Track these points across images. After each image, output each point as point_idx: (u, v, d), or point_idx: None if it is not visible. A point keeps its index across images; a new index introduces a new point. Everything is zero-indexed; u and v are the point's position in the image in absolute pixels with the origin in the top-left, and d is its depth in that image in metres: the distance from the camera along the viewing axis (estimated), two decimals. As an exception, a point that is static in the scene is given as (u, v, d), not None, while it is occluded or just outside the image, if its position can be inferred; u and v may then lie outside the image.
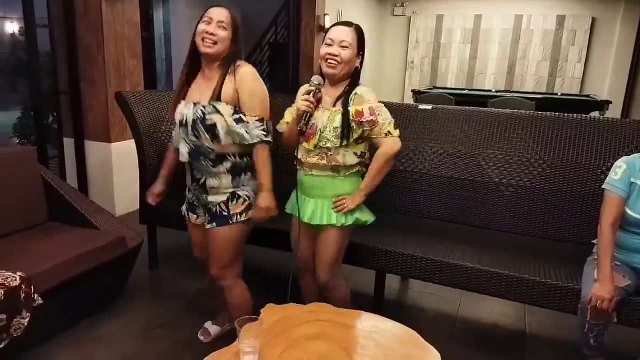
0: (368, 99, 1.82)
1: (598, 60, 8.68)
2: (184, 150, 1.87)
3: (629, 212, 1.84)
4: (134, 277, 2.58)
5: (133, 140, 2.71)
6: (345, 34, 1.81)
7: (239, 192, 1.88)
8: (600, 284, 1.72)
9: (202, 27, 1.82)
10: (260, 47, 8.57)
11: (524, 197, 2.37)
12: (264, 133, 1.82)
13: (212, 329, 2.24)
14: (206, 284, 2.32)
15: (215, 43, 1.80)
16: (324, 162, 1.85)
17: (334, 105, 1.84)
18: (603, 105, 6.71)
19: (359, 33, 1.85)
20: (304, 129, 1.83)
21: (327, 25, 6.77)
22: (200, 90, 1.86)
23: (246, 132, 1.81)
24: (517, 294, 2.00)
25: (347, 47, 1.80)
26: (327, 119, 1.82)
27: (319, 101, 1.86)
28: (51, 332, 2.16)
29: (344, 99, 1.83)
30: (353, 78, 1.87)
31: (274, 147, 1.90)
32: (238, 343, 1.35)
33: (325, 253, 1.94)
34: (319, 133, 1.82)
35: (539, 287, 1.95)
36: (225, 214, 1.87)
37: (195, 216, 2.01)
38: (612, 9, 8.41)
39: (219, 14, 1.82)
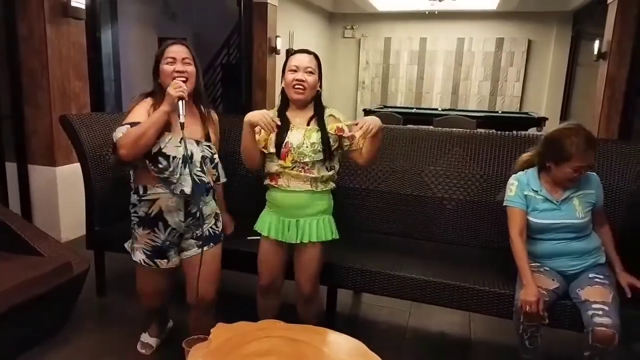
0: (343, 120, 1.97)
1: (535, 79, 9.26)
2: (188, 185, 1.82)
3: (532, 219, 2.02)
4: (82, 304, 2.51)
5: (79, 164, 2.66)
6: (308, 61, 1.92)
7: (217, 211, 2.05)
8: (524, 289, 1.86)
9: (168, 68, 1.82)
10: (213, 68, 8.59)
11: (464, 209, 2.52)
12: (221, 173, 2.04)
13: (152, 340, 2.27)
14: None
15: (187, 80, 1.84)
16: (303, 173, 1.91)
17: (308, 124, 1.94)
18: (540, 121, 7.15)
19: (318, 59, 1.97)
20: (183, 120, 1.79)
21: (279, 47, 6.89)
22: (189, 126, 1.84)
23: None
24: (459, 302, 2.11)
25: (312, 73, 1.91)
26: (303, 136, 1.90)
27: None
28: (-9, 365, 2.07)
29: (318, 119, 1.94)
30: (317, 100, 1.99)
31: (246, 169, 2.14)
32: (187, 363, 1.37)
33: (309, 267, 2.02)
34: (294, 150, 1.89)
35: (478, 294, 2.06)
36: (218, 232, 2.02)
37: (165, 260, 1.95)
38: (546, 31, 9.03)
39: (180, 51, 1.85)
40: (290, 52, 2.04)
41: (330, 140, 1.92)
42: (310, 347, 1.60)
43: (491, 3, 8.43)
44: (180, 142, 1.80)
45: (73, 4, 3.47)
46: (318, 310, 2.16)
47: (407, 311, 2.77)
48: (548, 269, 2.01)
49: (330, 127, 1.93)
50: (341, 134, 1.92)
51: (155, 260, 1.93)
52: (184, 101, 1.78)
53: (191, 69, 1.86)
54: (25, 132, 3.59)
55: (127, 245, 2.02)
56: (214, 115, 2.03)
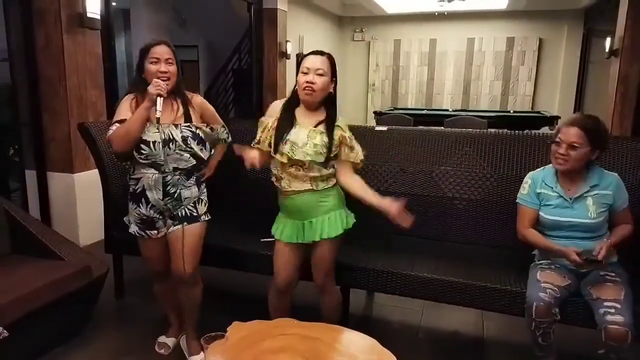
0: (346, 131, 2.01)
1: (547, 78, 9.21)
2: (173, 163, 2.03)
3: (543, 215, 2.05)
4: (101, 306, 2.58)
5: (96, 170, 2.74)
6: (319, 62, 1.94)
7: (201, 197, 2.15)
8: (564, 254, 1.92)
9: (152, 67, 1.99)
10: (224, 73, 8.69)
11: (475, 209, 2.53)
12: (227, 135, 2.36)
13: (169, 340, 2.36)
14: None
15: (169, 78, 2.00)
16: (301, 172, 1.96)
17: (316, 126, 1.97)
18: (552, 120, 7.10)
19: (331, 60, 1.99)
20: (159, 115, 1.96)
21: (289, 51, 6.96)
22: (168, 115, 2.04)
23: (217, 136, 2.28)
24: (471, 300, 2.13)
25: (322, 75, 1.94)
26: (307, 136, 1.94)
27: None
28: (17, 365, 2.14)
29: (328, 123, 1.97)
30: (329, 102, 2.02)
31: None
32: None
33: (323, 261, 2.09)
34: (297, 145, 1.92)
35: (490, 292, 2.08)
36: (195, 214, 2.11)
37: (155, 231, 2.13)
38: (557, 29, 8.98)
39: (163, 52, 2.01)
40: (300, 55, 2.08)
41: (333, 146, 1.96)
42: (324, 344, 1.64)
43: (501, 2, 8.41)
44: (158, 130, 2.00)
45: (89, 14, 3.56)
46: (337, 301, 2.22)
47: (419, 310, 2.79)
48: (559, 266, 2.02)
49: (337, 133, 1.98)
50: (345, 141, 1.98)
51: (147, 231, 2.13)
52: (161, 98, 1.96)
53: (173, 68, 2.03)
54: (43, 139, 3.69)
55: (125, 219, 2.19)
56: (197, 99, 2.19)
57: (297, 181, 1.98)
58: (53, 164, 3.71)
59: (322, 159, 1.93)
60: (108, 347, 2.39)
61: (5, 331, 1.86)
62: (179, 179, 2.05)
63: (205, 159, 2.11)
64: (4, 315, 1.88)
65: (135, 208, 2.10)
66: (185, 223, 2.08)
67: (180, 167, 2.04)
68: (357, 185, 2.04)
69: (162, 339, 2.36)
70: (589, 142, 1.93)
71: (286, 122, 1.98)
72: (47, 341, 2.29)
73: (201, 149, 2.07)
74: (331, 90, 2.00)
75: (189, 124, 2.07)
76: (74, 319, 2.45)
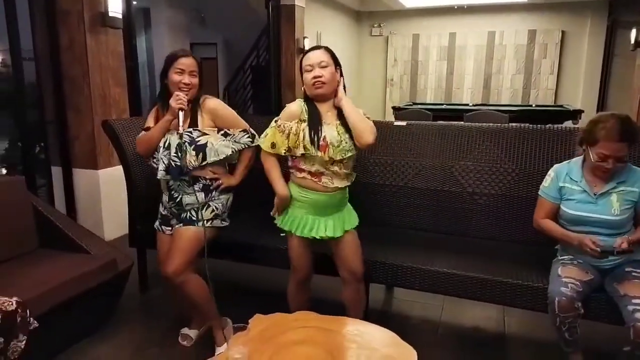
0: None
1: (570, 72, 9.02)
2: (162, 168, 2.11)
3: (565, 209, 2.02)
4: (125, 299, 2.64)
5: (120, 166, 2.80)
6: (320, 55, 1.98)
7: (210, 203, 2.18)
8: (579, 244, 1.91)
9: (176, 77, 2.07)
10: (243, 70, 8.75)
11: (496, 204, 2.51)
12: (250, 140, 2.20)
13: (192, 332, 2.41)
14: (174, 295, 2.43)
15: (190, 89, 2.08)
16: (342, 169, 2.01)
17: (337, 120, 2.01)
18: (576, 114, 6.95)
19: (330, 51, 2.02)
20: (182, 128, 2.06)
21: (307, 48, 6.95)
22: (176, 121, 2.09)
23: (235, 142, 2.17)
24: (492, 296, 2.12)
25: (326, 66, 1.96)
26: (337, 133, 1.97)
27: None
28: (46, 355, 2.20)
29: (339, 114, 2.01)
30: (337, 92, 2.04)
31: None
32: (227, 350, 1.44)
33: (357, 249, 2.14)
34: (334, 145, 1.94)
35: (511, 287, 2.07)
36: (194, 218, 2.15)
37: (169, 228, 2.26)
38: (579, 22, 8.78)
39: (189, 64, 2.08)
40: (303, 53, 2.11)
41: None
42: (344, 337, 1.65)
43: (522, -5, 8.27)
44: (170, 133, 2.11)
45: (110, 13, 3.63)
46: (364, 291, 2.25)
47: (440, 306, 2.78)
48: (582, 261, 1.99)
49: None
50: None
51: (163, 226, 2.29)
52: (183, 111, 2.04)
53: (195, 80, 2.11)
54: (68, 137, 3.78)
55: None
56: (209, 103, 2.16)
57: (339, 179, 2.02)
58: (78, 161, 3.80)
59: (354, 147, 2.00)
60: (133, 340, 2.45)
61: (35, 322, 1.92)
62: (179, 185, 2.14)
63: (195, 166, 2.07)
64: (34, 307, 1.94)
65: (160, 204, 2.31)
66: (181, 224, 2.16)
67: (184, 170, 2.09)
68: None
69: (185, 330, 2.41)
70: (629, 147, 1.88)
71: (316, 122, 1.97)
72: (73, 334, 2.35)
73: (199, 157, 2.07)
74: (338, 79, 2.01)
75: (190, 129, 2.09)
76: (100, 311, 2.51)
